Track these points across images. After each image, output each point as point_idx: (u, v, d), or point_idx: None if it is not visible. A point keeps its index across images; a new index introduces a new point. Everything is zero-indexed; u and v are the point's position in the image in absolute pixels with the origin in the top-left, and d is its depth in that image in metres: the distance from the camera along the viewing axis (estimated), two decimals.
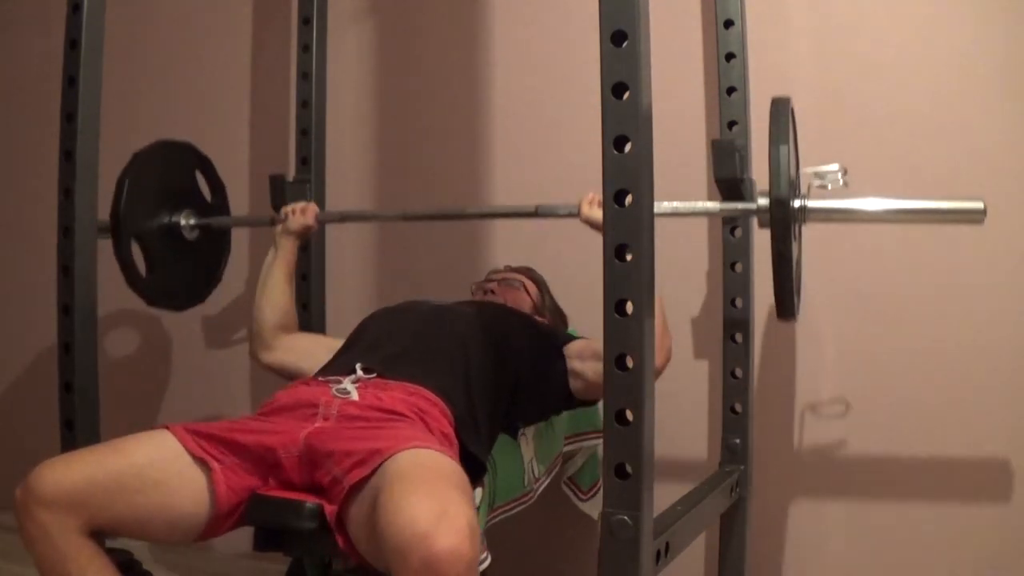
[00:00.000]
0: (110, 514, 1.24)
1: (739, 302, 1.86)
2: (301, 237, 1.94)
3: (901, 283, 1.86)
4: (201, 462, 1.31)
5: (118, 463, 1.26)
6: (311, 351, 1.78)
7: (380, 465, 1.21)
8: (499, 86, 2.22)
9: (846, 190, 1.50)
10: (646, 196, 1.12)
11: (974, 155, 1.80)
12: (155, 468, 1.28)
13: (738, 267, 1.87)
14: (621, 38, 1.11)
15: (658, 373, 1.49)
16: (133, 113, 2.52)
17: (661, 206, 1.59)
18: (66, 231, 1.63)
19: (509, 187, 2.21)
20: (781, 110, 1.50)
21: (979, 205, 1.46)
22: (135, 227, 1.87)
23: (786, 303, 1.53)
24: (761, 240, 1.90)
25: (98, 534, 1.25)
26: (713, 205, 1.71)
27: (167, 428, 1.34)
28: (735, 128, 1.87)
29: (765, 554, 1.94)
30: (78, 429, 1.61)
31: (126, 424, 1.39)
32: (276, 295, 1.87)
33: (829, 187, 1.50)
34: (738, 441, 1.84)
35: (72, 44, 1.63)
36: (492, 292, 1.89)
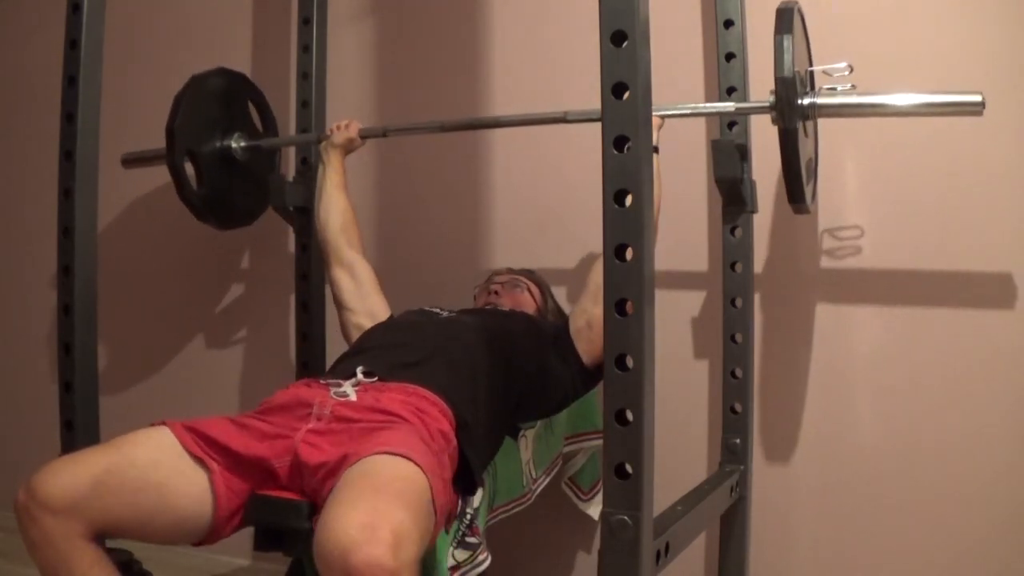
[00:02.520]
0: (113, 516, 1.23)
1: (739, 302, 1.86)
2: (345, 149, 2.01)
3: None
4: (200, 462, 1.31)
5: (120, 464, 1.25)
6: (362, 291, 1.91)
7: (338, 481, 1.20)
8: (499, 85, 2.22)
9: (854, 88, 1.56)
10: (646, 196, 1.12)
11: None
12: (157, 469, 1.28)
13: (738, 267, 1.87)
14: (621, 38, 1.11)
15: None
16: (133, 113, 2.51)
17: (668, 107, 1.70)
18: (66, 231, 1.63)
19: (511, 184, 2.21)
20: (787, 8, 1.53)
21: (977, 98, 1.50)
22: (189, 143, 2.00)
23: (795, 189, 1.56)
24: (761, 240, 1.90)
25: (100, 537, 1.25)
26: (724, 105, 1.80)
27: (165, 424, 1.34)
28: (735, 128, 1.87)
29: (765, 554, 1.94)
30: (78, 429, 1.61)
31: (126, 424, 1.38)
32: (334, 201, 1.96)
33: (838, 88, 1.56)
34: (738, 441, 1.84)
35: (72, 44, 1.63)
36: (496, 294, 1.90)
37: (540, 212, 2.15)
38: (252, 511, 1.32)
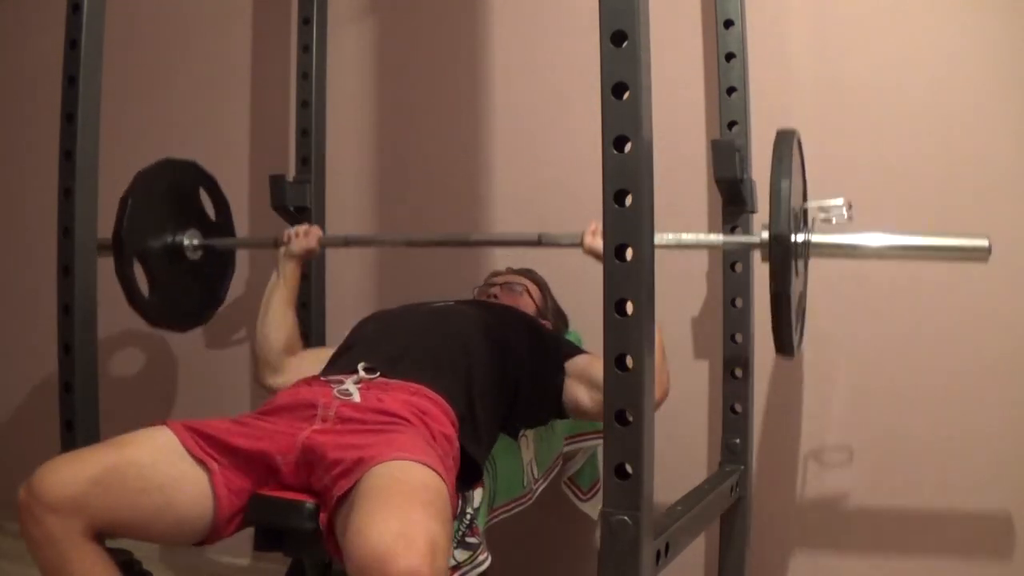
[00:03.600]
0: (114, 515, 1.23)
1: (739, 302, 1.86)
2: (304, 260, 1.93)
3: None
4: (201, 463, 1.31)
5: (121, 464, 1.25)
6: (317, 370, 1.74)
7: (361, 477, 1.20)
8: (499, 85, 2.22)
9: (851, 224, 1.47)
10: (646, 196, 1.12)
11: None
12: (158, 469, 1.28)
13: (738, 267, 1.87)
14: (621, 38, 1.11)
15: (656, 406, 1.48)
16: (133, 113, 2.52)
17: (663, 238, 1.56)
18: (66, 231, 1.62)
19: (510, 184, 2.21)
20: (785, 143, 1.46)
21: (984, 243, 1.40)
22: (137, 246, 1.85)
23: (784, 340, 1.46)
24: None
25: (101, 536, 1.25)
26: (715, 237, 1.68)
27: (167, 425, 1.34)
28: (735, 128, 1.87)
29: (765, 554, 1.94)
30: (78, 429, 1.61)
31: (126, 424, 1.38)
32: (280, 319, 1.85)
33: (834, 221, 1.46)
34: (738, 441, 1.84)
35: (72, 44, 1.62)
36: (495, 296, 1.89)
37: (541, 211, 2.15)
38: (252, 511, 1.32)
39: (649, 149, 1.13)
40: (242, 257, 2.37)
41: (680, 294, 2.01)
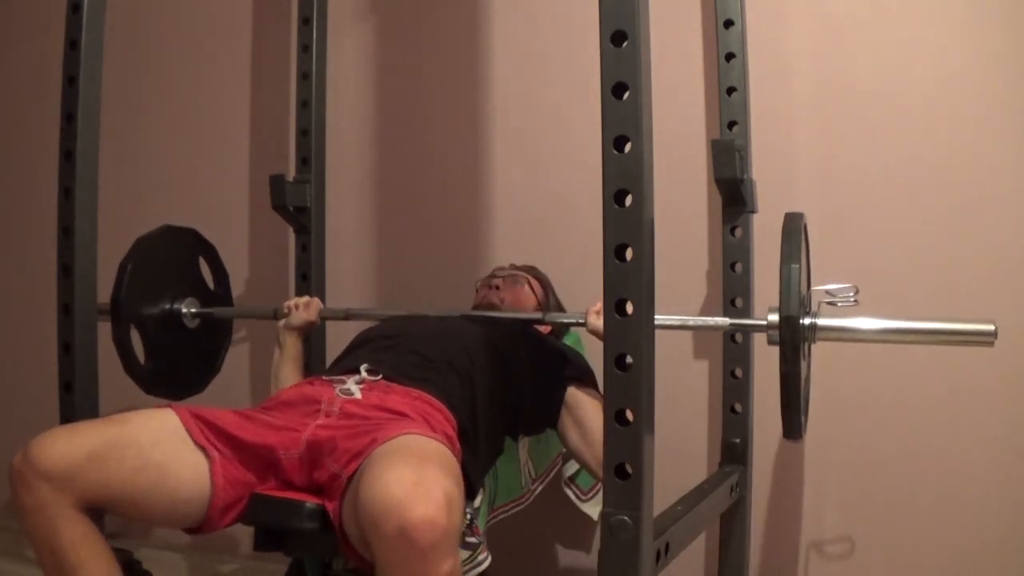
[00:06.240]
0: (107, 491, 1.23)
1: (739, 302, 1.86)
2: (304, 332, 1.91)
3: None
4: (202, 449, 1.31)
5: (120, 440, 1.25)
6: None
7: (372, 453, 1.21)
8: (499, 84, 2.23)
9: (857, 307, 1.45)
10: (646, 196, 1.12)
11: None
12: (158, 449, 1.27)
13: (738, 267, 1.87)
14: (621, 38, 1.11)
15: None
16: (133, 113, 2.52)
17: (667, 320, 1.54)
18: (66, 231, 1.63)
19: (510, 184, 2.21)
20: (794, 227, 1.45)
21: (990, 327, 1.36)
22: (135, 313, 1.82)
23: (793, 424, 1.45)
24: (761, 242, 1.90)
25: (95, 510, 1.25)
26: (722, 321, 1.63)
27: (172, 408, 1.34)
28: (735, 128, 1.87)
29: (765, 554, 1.94)
30: None
31: None
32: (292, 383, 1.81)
33: (839, 304, 1.45)
34: (738, 441, 1.84)
35: (72, 44, 1.62)
36: (497, 288, 1.89)
37: (541, 210, 2.15)
38: (252, 511, 1.32)
39: (649, 149, 1.13)
40: (242, 256, 2.38)
41: (680, 294, 2.01)
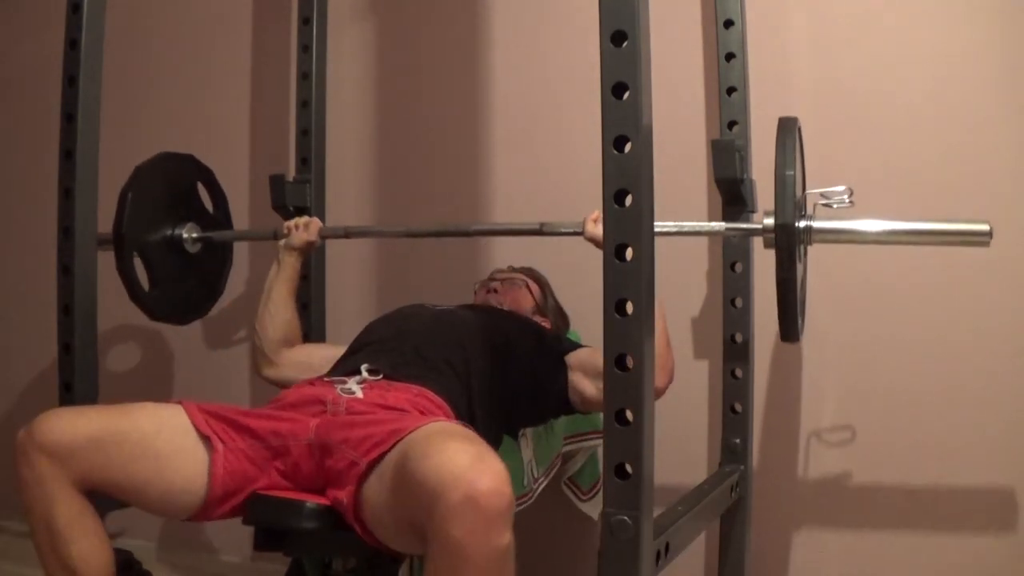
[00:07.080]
0: (105, 475, 1.25)
1: (739, 302, 1.86)
2: (304, 253, 1.93)
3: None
4: (206, 440, 1.32)
5: (124, 426, 1.28)
6: (314, 363, 1.75)
7: (399, 441, 1.22)
8: (499, 85, 2.22)
9: (852, 209, 1.48)
10: (646, 196, 1.12)
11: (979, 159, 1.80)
12: (159, 439, 1.30)
13: (738, 267, 1.87)
14: (621, 38, 1.11)
15: (659, 393, 1.48)
16: (133, 113, 2.51)
17: (664, 226, 1.55)
18: (66, 231, 1.63)
19: (510, 185, 2.21)
20: (788, 131, 1.46)
21: (985, 227, 1.41)
22: (137, 241, 1.85)
23: (790, 326, 1.49)
24: (761, 240, 1.90)
25: (92, 492, 1.27)
26: (718, 225, 1.68)
27: (180, 404, 1.36)
28: (735, 128, 1.87)
29: (765, 554, 1.94)
30: None
31: None
32: (279, 311, 1.85)
33: (835, 207, 1.47)
34: (738, 441, 1.84)
35: (72, 44, 1.63)
36: (495, 291, 1.89)
37: (541, 210, 2.15)
38: (252, 511, 1.32)
39: (649, 149, 1.13)
40: (241, 256, 2.37)
41: (680, 294, 2.01)
